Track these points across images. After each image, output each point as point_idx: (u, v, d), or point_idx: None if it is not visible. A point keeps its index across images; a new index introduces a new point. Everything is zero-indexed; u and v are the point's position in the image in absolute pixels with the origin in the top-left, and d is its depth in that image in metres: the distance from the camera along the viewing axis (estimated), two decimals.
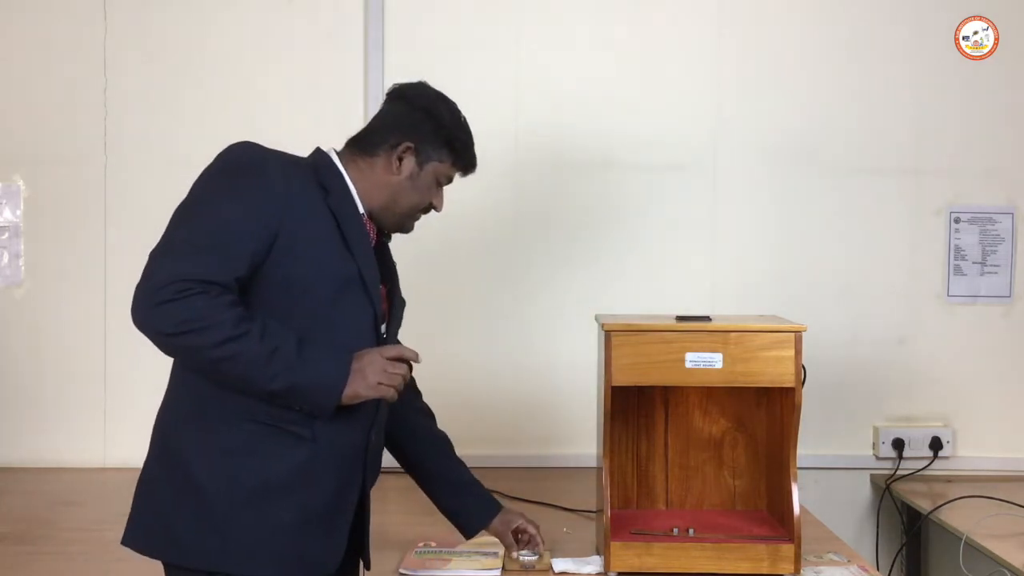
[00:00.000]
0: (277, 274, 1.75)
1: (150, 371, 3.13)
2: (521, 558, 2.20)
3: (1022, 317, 3.25)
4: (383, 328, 1.90)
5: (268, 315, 1.73)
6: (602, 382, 2.21)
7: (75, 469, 3.13)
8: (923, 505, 2.93)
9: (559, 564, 2.24)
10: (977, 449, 3.24)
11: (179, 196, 3.32)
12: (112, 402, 3.17)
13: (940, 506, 2.86)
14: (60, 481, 3.03)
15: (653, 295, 3.16)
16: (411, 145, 1.90)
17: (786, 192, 3.23)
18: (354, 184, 1.88)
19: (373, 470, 1.94)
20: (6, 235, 3.18)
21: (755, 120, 3.22)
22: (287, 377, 1.71)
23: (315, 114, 3.13)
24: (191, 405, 1.81)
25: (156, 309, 1.66)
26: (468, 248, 3.17)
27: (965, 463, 3.23)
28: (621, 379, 2.16)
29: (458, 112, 1.97)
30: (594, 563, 2.24)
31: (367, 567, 2.01)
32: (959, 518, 2.75)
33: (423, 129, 1.91)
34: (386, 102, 1.98)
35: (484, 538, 2.27)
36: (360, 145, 1.93)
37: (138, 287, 1.69)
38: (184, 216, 1.76)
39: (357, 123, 3.15)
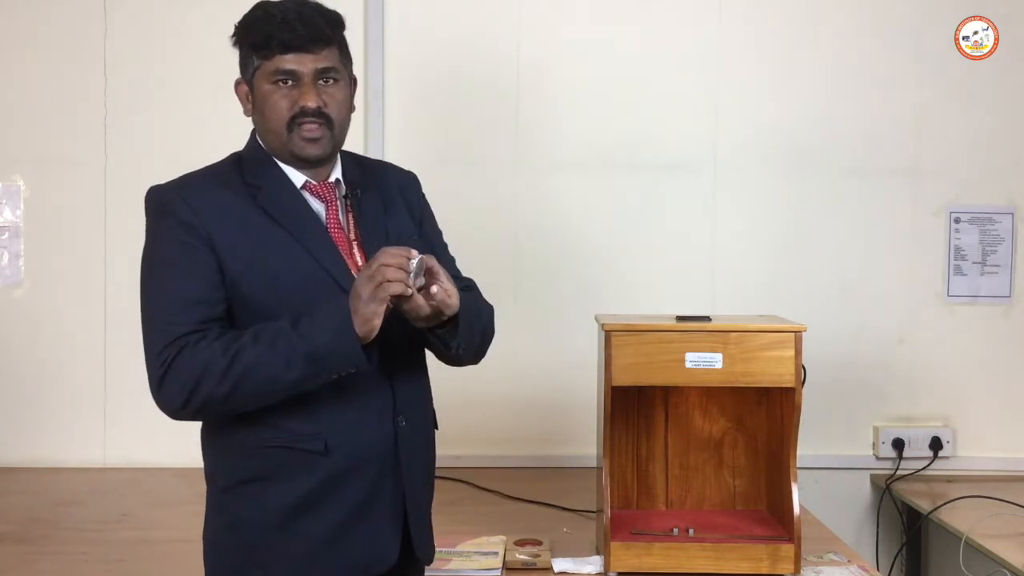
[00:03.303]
0: (237, 298, 1.72)
1: None
2: (520, 556, 2.20)
3: (1022, 317, 3.25)
4: None
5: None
6: (602, 382, 2.21)
7: (75, 469, 3.13)
8: (923, 505, 2.93)
9: (559, 564, 2.25)
10: (977, 449, 3.24)
11: None
12: (112, 402, 3.17)
13: (940, 506, 2.86)
14: (60, 481, 3.03)
15: (653, 295, 3.17)
16: (239, 79, 1.85)
17: (786, 192, 3.22)
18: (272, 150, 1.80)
19: (417, 457, 1.84)
20: (6, 235, 3.18)
21: (755, 120, 3.21)
22: (299, 354, 1.64)
23: None
24: (211, 441, 1.82)
25: (160, 392, 1.69)
26: (468, 248, 3.15)
27: (965, 463, 3.23)
28: (621, 379, 2.17)
29: (252, 11, 1.83)
30: (594, 563, 2.24)
31: (426, 562, 1.93)
32: (959, 518, 2.75)
33: (240, 58, 1.85)
34: None
35: (484, 538, 2.27)
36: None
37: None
38: (144, 292, 1.76)
39: (357, 122, 3.16)
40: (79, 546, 2.47)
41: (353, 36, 3.17)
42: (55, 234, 3.18)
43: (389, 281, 1.63)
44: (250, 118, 1.86)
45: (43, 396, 3.18)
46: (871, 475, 3.24)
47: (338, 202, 1.83)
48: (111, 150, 3.18)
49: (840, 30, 3.22)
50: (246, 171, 1.80)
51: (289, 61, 1.76)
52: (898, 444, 3.20)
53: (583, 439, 2.87)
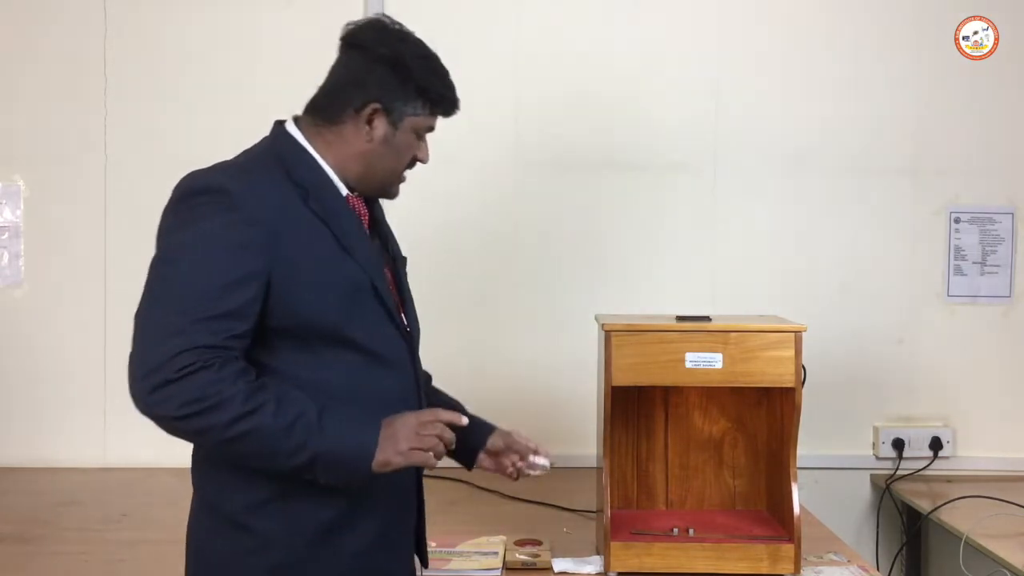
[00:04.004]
0: (281, 311, 1.60)
1: None
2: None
3: (1022, 317, 3.25)
4: (401, 317, 1.76)
5: (278, 353, 1.61)
6: (602, 382, 2.21)
7: (75, 469, 3.12)
8: (923, 505, 2.93)
9: (559, 564, 2.24)
10: (977, 449, 3.24)
11: None
12: (112, 402, 3.17)
13: (940, 506, 2.86)
14: (60, 481, 3.03)
15: (653, 295, 3.16)
16: (378, 105, 1.68)
17: (786, 192, 3.22)
18: (324, 160, 1.69)
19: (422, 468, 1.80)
20: (6, 235, 3.18)
21: (755, 120, 3.21)
22: (310, 449, 1.55)
23: None
24: (225, 461, 1.67)
25: (156, 392, 1.51)
26: (468, 248, 3.17)
27: (965, 463, 3.22)
28: (621, 379, 2.17)
29: (425, 50, 1.73)
30: (594, 563, 2.24)
31: (424, 565, 1.93)
32: (959, 518, 2.75)
33: (389, 83, 1.68)
34: (341, 51, 1.74)
35: (484, 538, 2.27)
36: (321, 112, 1.72)
37: (129, 367, 1.54)
38: (163, 277, 1.58)
39: None
40: (79, 546, 2.47)
41: None
42: (55, 234, 3.18)
43: (430, 453, 1.61)
44: (352, 139, 1.72)
45: (43, 396, 3.18)
46: (871, 475, 3.24)
47: (366, 214, 1.79)
48: (111, 150, 3.18)
49: (840, 30, 3.22)
50: (291, 169, 1.67)
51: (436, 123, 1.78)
52: (898, 444, 3.20)
53: (583, 439, 2.86)
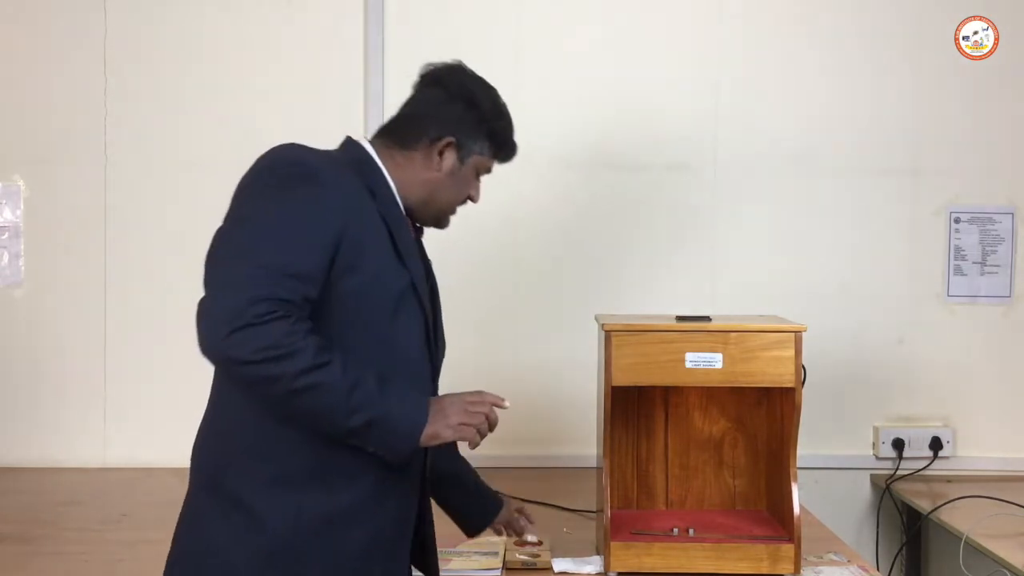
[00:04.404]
0: (337, 288, 1.64)
1: (150, 371, 3.17)
2: (520, 556, 2.21)
3: (1022, 317, 3.25)
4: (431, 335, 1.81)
5: (324, 330, 1.62)
6: (602, 382, 2.21)
7: (75, 469, 3.13)
8: (923, 505, 2.93)
9: (559, 564, 2.25)
10: (977, 449, 3.24)
11: (179, 195, 3.31)
12: (112, 402, 3.17)
13: (940, 506, 2.86)
14: (60, 481, 3.03)
15: (653, 295, 3.17)
16: (452, 140, 1.80)
17: (786, 192, 3.23)
18: (392, 179, 1.79)
19: (430, 483, 1.89)
20: (6, 235, 3.18)
21: (755, 120, 3.21)
22: (368, 412, 1.59)
23: (315, 114, 3.12)
24: (240, 433, 1.68)
25: (234, 335, 1.52)
26: (468, 248, 3.16)
27: (965, 463, 3.23)
28: (621, 379, 2.17)
29: (498, 99, 1.88)
30: (594, 563, 2.24)
31: None
32: (959, 518, 2.75)
33: (464, 121, 1.82)
34: (421, 86, 1.86)
35: (484, 538, 2.27)
36: (396, 136, 1.83)
37: (205, 310, 1.56)
38: (244, 233, 1.62)
39: (357, 123, 3.16)
40: (79, 546, 2.47)
41: (353, 37, 3.20)
42: (55, 234, 3.18)
43: (476, 430, 1.69)
44: (421, 166, 1.82)
45: (43, 396, 3.18)
46: (871, 475, 3.24)
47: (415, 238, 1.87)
48: (111, 150, 3.18)
49: (840, 30, 3.22)
50: (364, 175, 1.75)
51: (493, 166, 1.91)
52: (898, 444, 3.20)
53: (583, 439, 2.87)
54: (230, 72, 3.18)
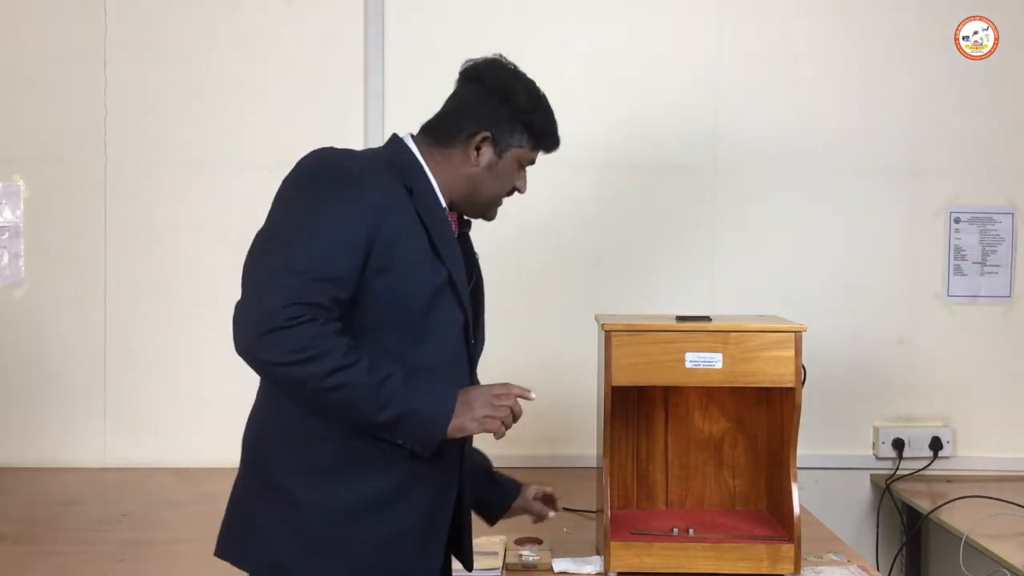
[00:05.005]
0: (371, 287, 1.70)
1: (150, 371, 3.16)
2: (524, 557, 2.21)
3: (1022, 317, 3.25)
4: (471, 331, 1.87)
5: (359, 328, 1.69)
6: (602, 382, 2.21)
7: (75, 469, 3.13)
8: (923, 505, 2.93)
9: (559, 564, 2.25)
10: (977, 449, 3.24)
11: (178, 195, 3.30)
12: (112, 402, 3.17)
13: (940, 506, 2.86)
14: (60, 481, 3.03)
15: (653, 295, 3.17)
16: (488, 134, 1.84)
17: (786, 192, 3.22)
18: (433, 176, 1.83)
19: (468, 477, 1.90)
20: (6, 235, 3.18)
21: (755, 120, 3.21)
22: (396, 407, 1.66)
23: (315, 114, 3.13)
24: (280, 427, 1.76)
25: (266, 337, 1.60)
26: None
27: (965, 463, 3.23)
28: (621, 379, 2.17)
29: (536, 90, 1.91)
30: (594, 563, 2.24)
31: (468, 568, 1.96)
32: (959, 518, 2.75)
33: (499, 115, 1.85)
34: (460, 83, 1.90)
35: (484, 538, 2.27)
36: (435, 134, 1.86)
37: (241, 312, 1.63)
38: (280, 236, 1.68)
39: (357, 123, 3.17)
40: (79, 546, 2.47)
41: (353, 36, 3.20)
42: (55, 234, 3.18)
43: (501, 422, 1.75)
44: (460, 162, 1.85)
45: (43, 396, 3.18)
46: (871, 475, 3.24)
47: (457, 231, 1.90)
48: (111, 150, 3.18)
49: (840, 30, 3.22)
50: (401, 173, 1.80)
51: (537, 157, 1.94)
52: (898, 444, 3.20)
53: (583, 439, 2.87)
54: (230, 72, 3.18)
